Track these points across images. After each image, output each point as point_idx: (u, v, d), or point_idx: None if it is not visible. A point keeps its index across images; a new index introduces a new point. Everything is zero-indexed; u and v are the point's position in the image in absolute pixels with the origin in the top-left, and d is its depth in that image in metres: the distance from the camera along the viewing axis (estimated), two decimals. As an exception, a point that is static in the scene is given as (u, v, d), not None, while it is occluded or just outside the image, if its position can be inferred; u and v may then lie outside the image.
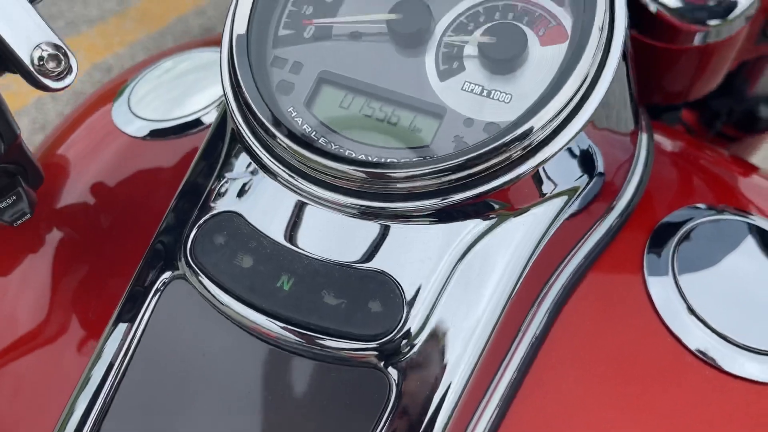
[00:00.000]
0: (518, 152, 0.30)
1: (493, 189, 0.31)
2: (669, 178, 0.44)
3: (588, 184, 0.36)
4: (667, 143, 0.49)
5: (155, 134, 0.50)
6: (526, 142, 0.30)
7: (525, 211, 0.32)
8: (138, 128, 0.51)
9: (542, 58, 0.33)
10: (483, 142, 0.30)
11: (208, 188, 0.36)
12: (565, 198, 0.33)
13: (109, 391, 0.34)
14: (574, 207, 0.35)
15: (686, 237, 0.39)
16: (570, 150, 0.33)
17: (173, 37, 2.56)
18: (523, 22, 0.33)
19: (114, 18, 2.57)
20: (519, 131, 0.30)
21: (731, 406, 0.35)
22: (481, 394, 0.33)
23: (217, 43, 0.62)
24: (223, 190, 0.35)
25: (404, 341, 0.30)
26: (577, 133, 0.31)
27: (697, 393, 0.36)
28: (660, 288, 0.38)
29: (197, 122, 0.52)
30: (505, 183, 0.31)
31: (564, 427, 0.35)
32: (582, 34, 0.32)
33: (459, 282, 0.31)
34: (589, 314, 0.37)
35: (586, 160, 0.35)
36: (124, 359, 0.33)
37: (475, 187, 0.31)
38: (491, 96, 0.32)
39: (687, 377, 0.36)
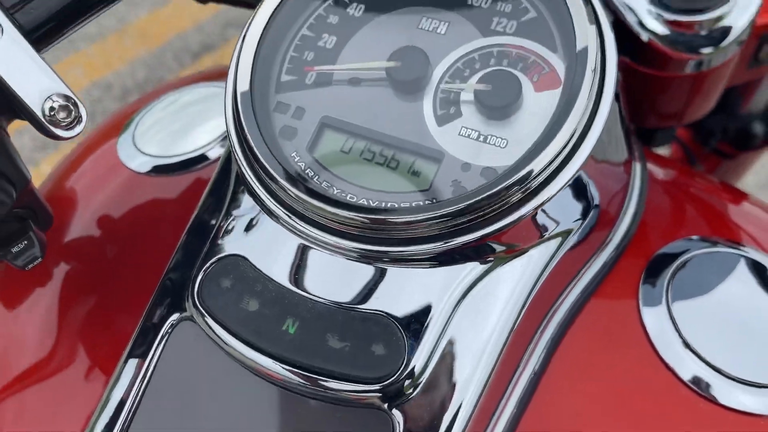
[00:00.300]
0: (517, 196, 0.31)
1: (492, 233, 0.32)
2: (663, 208, 0.45)
3: (585, 219, 0.37)
4: (659, 172, 0.50)
5: (159, 170, 0.51)
6: (523, 187, 0.31)
7: (523, 253, 0.33)
8: (142, 163, 0.52)
9: (537, 104, 0.34)
10: (481, 188, 0.31)
11: (215, 228, 0.37)
12: (561, 238, 0.34)
13: (122, 427, 0.34)
14: (571, 243, 0.36)
15: (680, 269, 0.40)
16: (567, 190, 0.34)
17: (173, 53, 2.58)
18: (518, 69, 0.34)
19: (113, 35, 2.59)
20: (516, 177, 0.31)
21: None
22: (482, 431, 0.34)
23: (221, 75, 0.63)
24: (230, 228, 0.36)
25: (407, 382, 0.31)
26: (574, 176, 0.32)
27: (691, 425, 0.36)
28: (654, 320, 0.39)
29: (202, 158, 0.53)
30: (503, 227, 0.32)
31: None
32: (575, 79, 0.33)
33: (459, 323, 0.32)
34: (586, 347, 0.38)
35: (582, 197, 0.36)
36: (136, 396, 0.34)
37: (475, 231, 0.32)
38: (488, 141, 0.33)
39: (681, 409, 0.37)
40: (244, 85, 0.35)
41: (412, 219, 0.31)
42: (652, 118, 0.54)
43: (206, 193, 0.39)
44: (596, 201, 0.38)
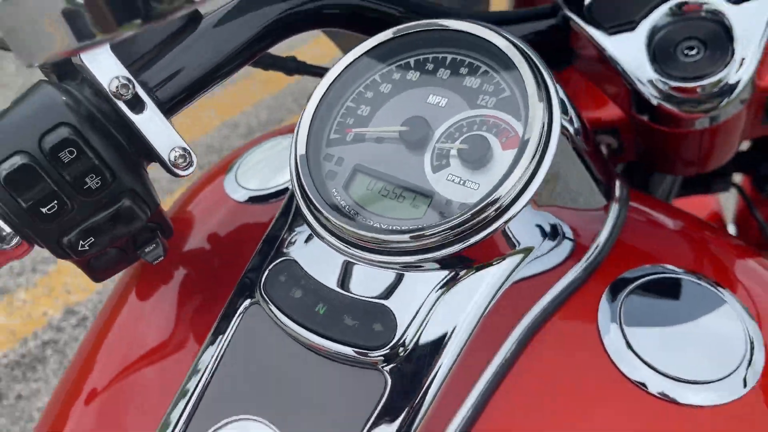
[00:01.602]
0: (480, 220, 0.44)
1: (465, 247, 0.44)
2: (635, 241, 0.55)
3: (552, 245, 0.48)
4: (644, 210, 0.59)
5: (254, 200, 0.67)
6: (485, 214, 0.43)
7: (490, 265, 0.45)
8: (241, 195, 0.68)
9: (503, 158, 0.46)
10: (459, 215, 0.44)
11: (280, 239, 0.51)
12: (522, 255, 0.46)
13: (199, 395, 0.49)
14: (534, 262, 0.47)
15: (634, 290, 0.50)
16: (531, 221, 0.46)
17: (292, 96, 2.83)
18: (492, 133, 0.47)
19: (242, 81, 2.88)
20: (479, 207, 0.44)
21: (675, 428, 0.46)
22: (454, 400, 0.46)
23: None
24: (290, 241, 0.51)
25: (398, 350, 0.44)
26: (522, 207, 0.44)
27: (641, 420, 0.46)
28: (609, 333, 0.48)
29: (286, 190, 0.68)
30: (472, 243, 0.44)
31: None
32: (525, 143, 0.45)
33: (438, 314, 0.45)
34: (548, 351, 0.48)
35: (546, 228, 0.47)
36: (215, 361, 0.49)
37: (454, 245, 0.44)
38: (465, 185, 0.46)
39: (631, 406, 0.46)
40: (302, 148, 0.50)
41: (427, 233, 0.44)
42: (677, 168, 0.62)
43: (277, 215, 0.54)
44: (564, 232, 0.49)
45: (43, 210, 0.45)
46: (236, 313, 0.50)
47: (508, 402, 0.47)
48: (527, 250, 0.47)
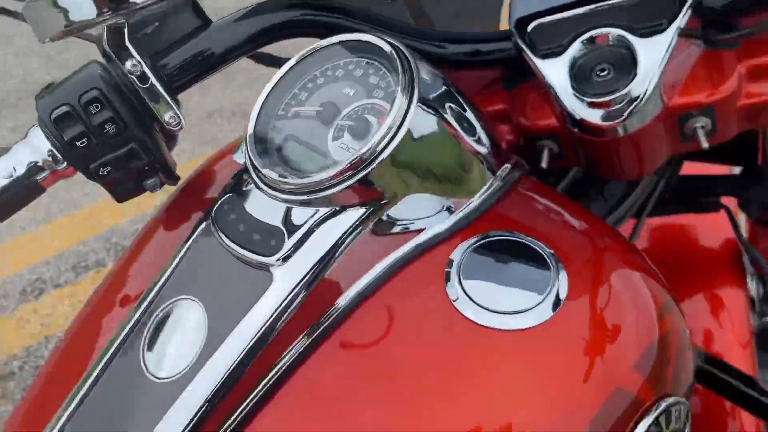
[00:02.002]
0: (356, 167, 0.57)
1: (335, 192, 0.58)
2: (504, 213, 0.63)
3: (415, 204, 0.59)
4: (532, 196, 0.66)
5: None
6: (352, 167, 0.58)
7: (353, 208, 0.59)
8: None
9: (377, 133, 0.63)
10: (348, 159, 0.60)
11: (236, 182, 0.68)
12: (372, 209, 0.59)
13: (163, 283, 0.65)
14: (400, 215, 0.61)
15: (475, 247, 0.59)
16: (393, 177, 0.59)
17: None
18: (373, 115, 0.64)
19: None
20: (353, 158, 0.59)
21: (500, 347, 0.59)
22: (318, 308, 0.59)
23: None
24: (240, 183, 0.67)
25: (282, 259, 0.61)
26: (380, 162, 0.57)
27: (476, 347, 0.54)
28: (451, 281, 0.57)
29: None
30: (341, 189, 0.58)
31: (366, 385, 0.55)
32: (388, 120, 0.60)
33: (311, 240, 0.60)
34: (399, 294, 0.58)
35: (409, 185, 0.59)
36: (176, 264, 0.68)
37: (327, 189, 0.59)
38: (349, 150, 0.63)
39: (466, 336, 0.55)
40: (254, 118, 0.69)
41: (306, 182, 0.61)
42: (608, 172, 0.71)
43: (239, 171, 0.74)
44: (430, 195, 0.63)
45: (77, 144, 0.67)
46: (197, 229, 0.70)
47: (359, 328, 0.57)
48: (382, 201, 0.60)
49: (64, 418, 0.60)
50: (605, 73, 0.60)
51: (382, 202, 0.61)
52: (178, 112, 0.71)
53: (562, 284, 0.57)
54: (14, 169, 0.64)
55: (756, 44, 0.61)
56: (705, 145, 0.63)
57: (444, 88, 0.64)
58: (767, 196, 0.89)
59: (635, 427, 0.51)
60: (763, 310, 1.14)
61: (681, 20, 0.57)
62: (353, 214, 0.60)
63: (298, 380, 0.55)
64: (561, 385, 0.52)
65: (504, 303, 0.54)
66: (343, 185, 0.58)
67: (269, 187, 0.63)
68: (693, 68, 0.61)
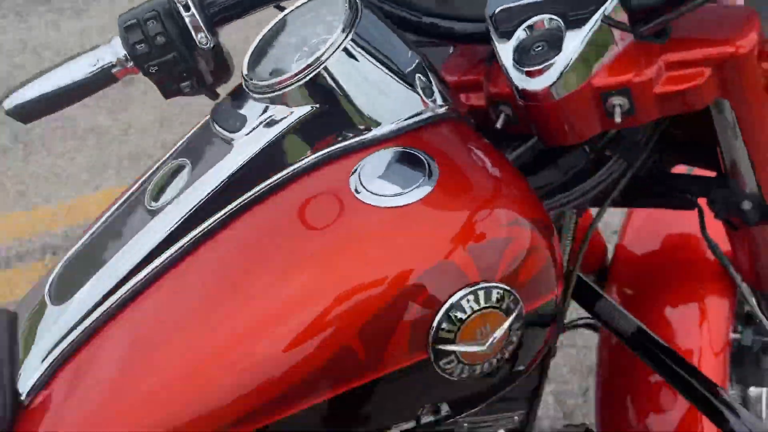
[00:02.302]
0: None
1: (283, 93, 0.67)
2: (422, 137, 0.68)
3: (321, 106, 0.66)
4: (452, 132, 0.71)
5: None
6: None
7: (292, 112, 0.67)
8: None
9: None
10: None
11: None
12: (310, 107, 0.66)
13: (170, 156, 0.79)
14: (329, 122, 0.66)
15: (381, 156, 0.65)
16: (325, 87, 0.66)
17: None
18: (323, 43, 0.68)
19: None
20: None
21: (387, 222, 0.62)
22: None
23: None
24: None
25: (243, 134, 0.68)
26: (317, 69, 0.65)
27: (370, 224, 0.62)
28: (354, 175, 0.64)
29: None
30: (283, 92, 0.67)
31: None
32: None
33: (267, 126, 0.68)
34: (312, 185, 0.65)
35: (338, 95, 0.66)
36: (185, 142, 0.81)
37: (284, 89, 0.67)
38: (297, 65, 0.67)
39: (363, 217, 0.62)
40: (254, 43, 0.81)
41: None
42: (546, 137, 0.75)
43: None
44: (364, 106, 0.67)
45: (137, 48, 0.77)
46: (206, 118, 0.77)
47: (278, 205, 0.65)
48: (321, 105, 0.67)
49: (73, 249, 0.77)
50: (540, 48, 0.69)
51: (320, 106, 0.69)
52: (208, 35, 0.85)
53: (432, 182, 0.64)
54: (98, 61, 0.82)
55: (680, 42, 0.69)
56: (618, 120, 0.69)
57: (386, 34, 0.72)
58: (730, 197, 0.92)
59: (455, 293, 0.62)
60: (736, 326, 1.16)
61: (607, 7, 0.66)
62: (298, 112, 0.71)
63: (221, 238, 0.66)
64: (411, 245, 0.62)
65: (386, 190, 0.64)
66: (287, 88, 0.69)
67: (248, 87, 0.73)
68: (619, 54, 0.69)
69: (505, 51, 0.70)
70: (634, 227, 1.24)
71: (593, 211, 1.00)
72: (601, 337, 1.18)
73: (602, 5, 0.66)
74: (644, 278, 1.20)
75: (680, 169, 1.02)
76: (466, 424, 0.86)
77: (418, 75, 0.73)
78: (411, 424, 0.70)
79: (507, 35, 0.71)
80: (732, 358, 1.15)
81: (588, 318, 1.13)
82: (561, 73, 0.67)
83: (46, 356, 0.66)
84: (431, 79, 0.75)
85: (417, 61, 0.74)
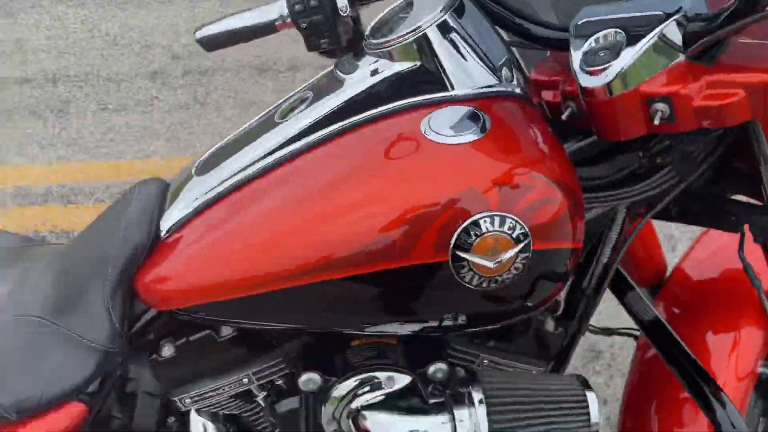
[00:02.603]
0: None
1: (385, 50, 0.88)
2: (493, 108, 0.84)
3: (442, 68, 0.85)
4: (513, 106, 0.87)
5: None
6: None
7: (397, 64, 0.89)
8: None
9: None
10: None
11: None
12: (415, 61, 0.86)
13: None
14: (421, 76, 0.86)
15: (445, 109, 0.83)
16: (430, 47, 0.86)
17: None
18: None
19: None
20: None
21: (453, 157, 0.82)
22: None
23: None
24: None
25: (351, 77, 0.91)
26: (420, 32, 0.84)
27: (442, 160, 0.81)
28: (424, 122, 0.82)
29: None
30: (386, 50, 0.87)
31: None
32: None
33: (376, 74, 0.90)
34: (387, 129, 0.84)
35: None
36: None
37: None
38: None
39: (429, 153, 0.81)
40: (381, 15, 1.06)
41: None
42: (602, 131, 0.88)
43: None
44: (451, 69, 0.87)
45: (295, 6, 0.89)
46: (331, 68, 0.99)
47: (366, 136, 0.85)
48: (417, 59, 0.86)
49: (219, 144, 1.00)
50: (603, 54, 0.83)
51: (414, 65, 0.88)
52: (348, 6, 1.03)
53: (482, 133, 0.82)
54: (267, 14, 0.95)
55: (723, 66, 0.79)
56: (657, 123, 0.81)
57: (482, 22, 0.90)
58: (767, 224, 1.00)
59: (477, 213, 0.79)
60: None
61: (661, 29, 0.79)
62: (397, 67, 0.90)
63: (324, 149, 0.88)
64: (452, 171, 0.81)
65: (445, 132, 0.82)
66: (392, 47, 0.89)
67: (365, 46, 0.92)
68: (670, 68, 0.81)
69: (577, 54, 0.86)
70: (696, 254, 1.33)
71: (655, 223, 1.12)
72: (638, 345, 1.28)
73: (660, 26, 0.80)
74: (691, 301, 1.29)
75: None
76: (486, 361, 1.01)
77: (499, 58, 0.91)
78: (435, 324, 0.88)
79: (581, 42, 0.86)
80: (761, 391, 1.21)
81: (628, 329, 1.26)
82: (616, 75, 0.81)
83: (185, 207, 0.91)
84: (510, 65, 0.92)
85: (501, 48, 0.92)
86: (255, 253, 0.85)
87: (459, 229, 0.79)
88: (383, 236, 0.81)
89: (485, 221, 0.79)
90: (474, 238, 0.79)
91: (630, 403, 1.23)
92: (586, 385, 0.93)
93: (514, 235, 0.80)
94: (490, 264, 0.80)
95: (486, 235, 0.79)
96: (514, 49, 0.97)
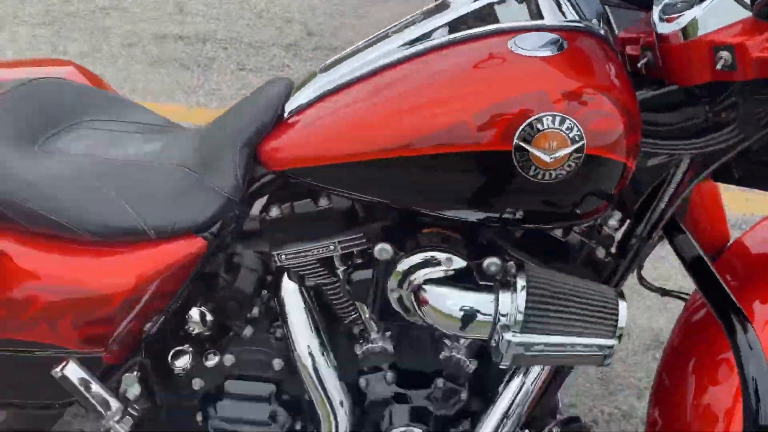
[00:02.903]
0: None
1: None
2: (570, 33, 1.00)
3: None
4: (593, 41, 1.01)
5: None
6: None
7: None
8: None
9: None
10: None
11: None
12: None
13: None
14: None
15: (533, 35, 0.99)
16: None
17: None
18: None
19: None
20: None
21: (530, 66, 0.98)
22: None
23: None
24: None
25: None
26: None
27: (523, 65, 0.97)
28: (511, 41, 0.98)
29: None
30: None
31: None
32: None
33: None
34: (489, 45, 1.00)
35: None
36: None
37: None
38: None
39: (511, 62, 0.98)
40: None
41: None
42: (675, 76, 1.01)
43: None
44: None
45: None
46: None
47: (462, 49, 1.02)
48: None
49: (344, 51, 1.18)
50: (679, 5, 0.96)
51: None
52: None
53: (558, 51, 0.97)
54: None
55: None
56: (718, 67, 0.91)
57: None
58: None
59: (542, 111, 0.93)
60: None
61: None
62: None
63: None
64: (527, 76, 0.97)
65: (527, 47, 0.97)
66: None
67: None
68: (738, 22, 0.91)
69: (657, 5, 1.00)
70: (760, 231, 1.37)
71: (722, 186, 1.19)
72: (685, 306, 1.35)
73: None
74: (746, 274, 1.33)
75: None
76: None
77: (592, 10, 1.06)
78: (497, 215, 1.03)
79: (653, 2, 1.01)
80: None
81: (679, 292, 1.35)
82: (689, 22, 0.94)
83: (307, 96, 1.11)
84: (600, 18, 1.06)
85: (596, 1, 1.07)
86: (359, 129, 1.03)
87: (525, 123, 0.94)
88: (463, 121, 0.97)
89: (548, 119, 0.94)
90: (536, 132, 0.94)
91: (669, 358, 1.29)
92: (621, 295, 1.05)
93: (570, 135, 0.94)
94: (547, 158, 0.95)
95: (546, 131, 0.94)
96: (607, 8, 1.11)
